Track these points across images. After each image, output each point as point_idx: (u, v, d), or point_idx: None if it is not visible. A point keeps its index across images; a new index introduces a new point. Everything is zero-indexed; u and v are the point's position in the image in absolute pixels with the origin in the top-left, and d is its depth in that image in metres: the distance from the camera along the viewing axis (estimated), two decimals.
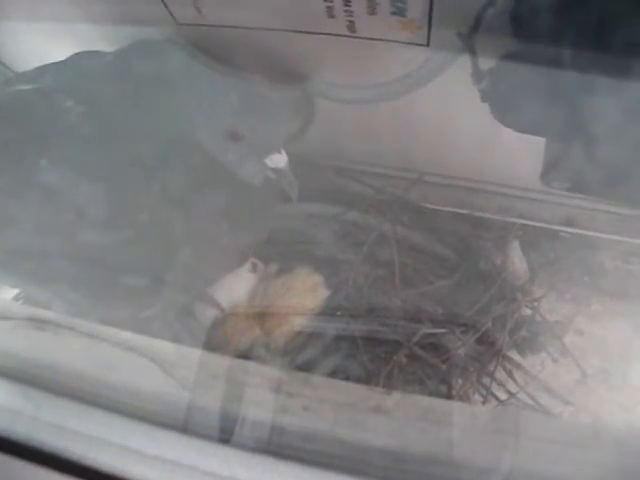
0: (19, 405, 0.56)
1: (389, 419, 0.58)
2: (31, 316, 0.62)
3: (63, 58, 0.69)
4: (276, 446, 0.58)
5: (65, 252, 0.58)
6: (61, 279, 0.60)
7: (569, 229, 0.86)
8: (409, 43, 0.66)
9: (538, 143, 0.66)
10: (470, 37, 0.61)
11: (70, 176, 0.58)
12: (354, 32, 0.67)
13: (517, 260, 0.83)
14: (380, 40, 0.67)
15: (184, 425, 0.58)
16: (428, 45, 0.66)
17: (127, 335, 0.64)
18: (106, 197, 0.59)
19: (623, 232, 0.84)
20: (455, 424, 0.60)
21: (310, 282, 0.78)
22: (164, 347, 0.65)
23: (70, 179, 0.58)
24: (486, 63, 0.63)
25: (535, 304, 0.82)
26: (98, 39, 0.75)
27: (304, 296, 0.77)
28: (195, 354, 0.67)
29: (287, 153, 0.69)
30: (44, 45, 0.80)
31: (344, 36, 0.67)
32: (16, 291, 0.74)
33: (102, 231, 0.58)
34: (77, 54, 0.70)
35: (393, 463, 0.55)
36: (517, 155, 0.74)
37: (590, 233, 0.85)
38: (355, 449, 0.56)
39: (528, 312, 0.81)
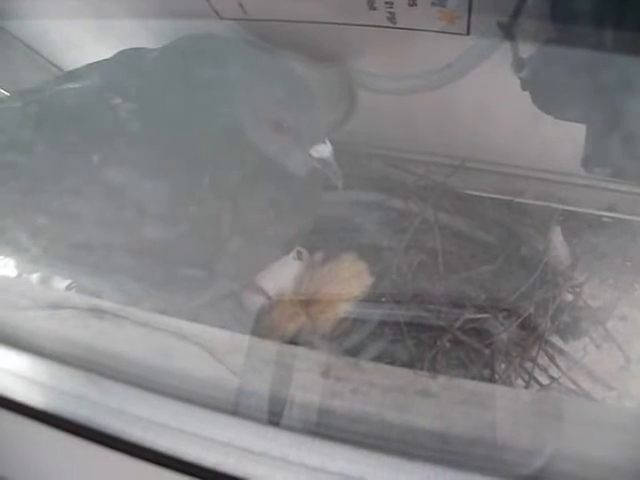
0: (82, 390, 0.58)
1: (435, 402, 0.60)
2: (92, 306, 0.65)
3: (109, 55, 0.71)
4: (325, 428, 0.60)
5: (126, 246, 0.61)
6: (122, 271, 0.63)
7: (611, 214, 0.86)
8: (449, 33, 0.67)
9: (580, 129, 0.66)
10: (510, 25, 0.61)
11: (125, 173, 0.61)
12: (395, 23, 0.67)
13: (559, 246, 0.83)
14: (420, 30, 0.68)
15: (235, 409, 0.61)
16: (468, 34, 0.67)
17: (180, 323, 0.66)
18: (166, 193, 0.61)
19: None
20: (498, 407, 0.61)
21: (355, 269, 0.79)
22: (214, 334, 0.67)
23: (125, 176, 0.60)
24: (526, 51, 0.63)
25: (577, 290, 0.82)
26: (144, 36, 0.77)
27: (349, 283, 0.78)
28: (244, 340, 0.69)
29: (331, 142, 0.70)
30: (91, 43, 0.82)
31: (385, 27, 0.68)
32: (68, 281, 0.77)
33: (162, 226, 0.61)
34: (123, 51, 0.71)
35: (439, 444, 0.57)
36: (559, 141, 0.74)
37: (633, 218, 0.85)
38: (402, 431, 0.57)
39: (570, 298, 0.81)
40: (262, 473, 0.53)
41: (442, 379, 0.61)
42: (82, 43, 0.85)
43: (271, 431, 0.57)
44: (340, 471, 0.53)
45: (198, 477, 0.54)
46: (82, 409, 0.57)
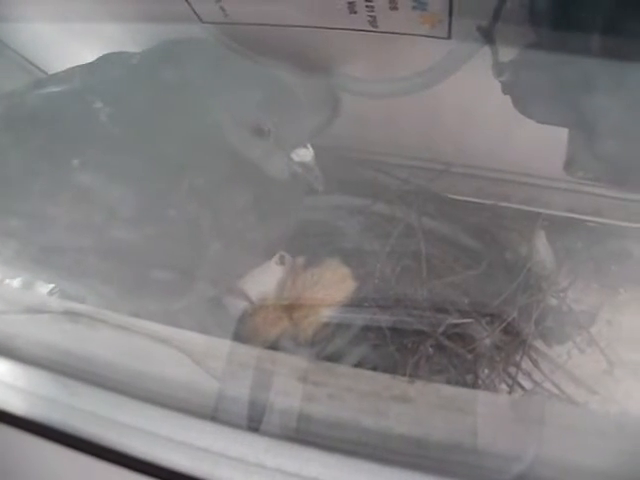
0: (56, 394, 0.58)
1: (412, 407, 0.60)
2: (66, 309, 0.64)
3: (93, 59, 0.71)
4: (303, 434, 0.59)
5: (97, 249, 0.60)
6: (94, 274, 0.63)
7: (596, 218, 0.86)
8: (431, 36, 0.67)
9: (563, 132, 0.66)
10: (489, 29, 0.61)
11: (101, 176, 0.60)
12: (376, 27, 0.67)
13: (543, 250, 0.83)
14: (402, 34, 0.68)
15: (214, 414, 0.60)
16: (450, 38, 0.66)
17: (159, 327, 0.66)
18: (135, 196, 0.61)
19: None
20: (478, 412, 0.61)
21: (338, 274, 0.79)
22: (194, 338, 0.67)
23: (101, 179, 0.60)
24: (507, 55, 0.63)
25: (561, 294, 0.82)
26: (127, 40, 0.77)
27: (332, 288, 0.78)
28: (224, 345, 0.69)
29: (313, 146, 0.70)
30: (74, 47, 0.82)
31: (366, 31, 0.68)
32: (51, 286, 0.77)
33: (131, 228, 0.60)
34: (105, 55, 0.71)
35: (416, 450, 0.56)
36: (542, 145, 0.74)
37: (617, 222, 0.85)
38: (379, 437, 0.57)
39: (554, 302, 0.81)
40: (238, 479, 0.53)
41: (420, 384, 0.61)
42: (67, 47, 0.85)
43: (248, 436, 0.57)
44: (316, 476, 0.52)
45: None
46: (56, 413, 0.57)
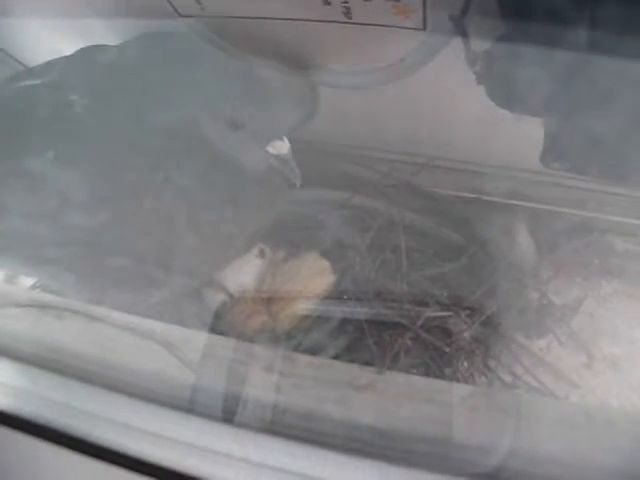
0: (27, 385, 0.58)
1: (379, 397, 0.59)
2: (32, 300, 0.64)
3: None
4: (277, 425, 0.59)
5: (53, 237, 0.60)
6: (53, 263, 0.63)
7: (578, 212, 0.85)
8: (405, 27, 0.67)
9: (540, 124, 0.66)
10: (461, 19, 0.61)
11: (70, 167, 0.60)
12: (350, 18, 0.67)
13: (524, 243, 0.82)
14: (376, 25, 0.67)
15: (189, 405, 0.60)
16: (424, 29, 0.66)
17: (134, 319, 0.66)
18: (88, 181, 0.61)
19: (633, 214, 0.83)
20: (451, 404, 0.61)
21: (317, 267, 0.79)
22: (170, 330, 0.67)
23: (71, 170, 0.60)
24: (480, 45, 0.63)
25: (542, 287, 0.81)
26: (107, 34, 0.77)
27: (311, 281, 0.78)
28: (200, 336, 0.69)
29: (292, 140, 0.70)
30: (55, 41, 0.83)
31: (340, 22, 0.68)
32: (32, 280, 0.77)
33: (86, 214, 0.60)
34: (84, 49, 0.71)
35: (383, 441, 0.56)
36: (520, 137, 0.74)
37: (600, 215, 0.84)
38: (346, 427, 0.57)
39: (535, 295, 0.81)
40: (206, 469, 0.53)
41: (389, 374, 0.61)
42: (47, 41, 0.85)
43: (218, 427, 0.57)
44: (282, 467, 0.52)
45: (143, 472, 0.53)
46: (27, 404, 0.57)
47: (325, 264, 0.79)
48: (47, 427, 0.55)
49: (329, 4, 0.65)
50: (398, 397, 0.60)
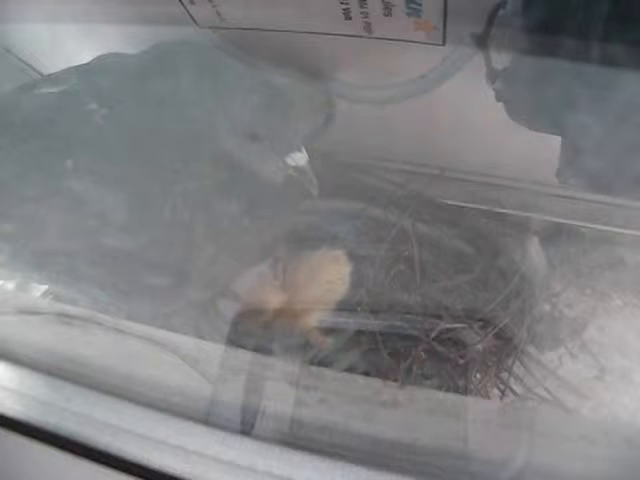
0: (50, 397, 0.58)
1: (401, 412, 0.60)
2: (59, 312, 0.65)
3: (88, 60, 0.71)
4: (295, 438, 0.60)
5: (89, 255, 0.61)
6: (86, 279, 0.63)
7: (589, 224, 0.86)
8: (425, 43, 0.67)
9: (556, 139, 0.66)
10: (483, 37, 0.62)
11: (94, 181, 0.60)
12: (371, 33, 0.68)
13: (536, 256, 0.83)
14: (396, 40, 0.68)
15: (206, 417, 0.60)
16: (444, 44, 0.67)
17: (153, 331, 0.66)
18: (127, 203, 0.61)
19: None
20: (468, 418, 0.61)
21: (332, 268, 0.79)
22: (188, 342, 0.67)
23: (94, 185, 0.60)
24: (500, 62, 0.64)
25: (554, 299, 0.82)
26: (123, 41, 0.77)
27: (327, 283, 0.78)
28: (218, 349, 0.69)
29: (308, 151, 0.70)
30: (70, 48, 0.82)
31: (361, 37, 0.68)
32: (44, 288, 0.77)
33: (123, 235, 0.60)
34: (100, 56, 0.71)
35: (405, 455, 0.57)
36: (536, 151, 0.74)
37: (610, 228, 0.85)
38: (369, 441, 0.57)
39: (547, 308, 0.81)
40: None
41: (410, 389, 0.61)
42: (63, 48, 0.85)
43: (239, 440, 0.57)
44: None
45: None
46: (50, 415, 0.57)
47: (340, 254, 0.79)
48: (69, 439, 0.56)
49: (350, 19, 0.66)
50: (419, 411, 0.60)
